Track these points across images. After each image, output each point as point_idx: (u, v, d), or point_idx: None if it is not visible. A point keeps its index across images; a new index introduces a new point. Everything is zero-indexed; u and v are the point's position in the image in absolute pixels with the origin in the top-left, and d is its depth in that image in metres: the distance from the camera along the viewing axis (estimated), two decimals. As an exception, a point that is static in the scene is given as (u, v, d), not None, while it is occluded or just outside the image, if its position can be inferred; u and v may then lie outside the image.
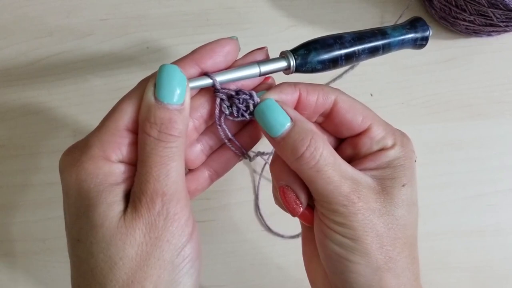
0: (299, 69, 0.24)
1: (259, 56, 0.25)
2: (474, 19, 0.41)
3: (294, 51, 0.24)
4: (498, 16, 0.40)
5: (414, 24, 0.28)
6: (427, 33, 0.28)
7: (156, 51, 0.43)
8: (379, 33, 0.26)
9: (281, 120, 0.22)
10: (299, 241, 0.38)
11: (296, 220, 0.39)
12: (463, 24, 0.43)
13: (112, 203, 0.20)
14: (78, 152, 0.21)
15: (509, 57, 0.45)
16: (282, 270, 0.36)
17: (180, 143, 0.21)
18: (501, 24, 0.41)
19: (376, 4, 0.47)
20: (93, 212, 0.20)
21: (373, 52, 0.26)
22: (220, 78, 0.22)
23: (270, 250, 0.37)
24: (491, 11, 0.40)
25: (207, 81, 0.22)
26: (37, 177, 0.38)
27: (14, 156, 0.38)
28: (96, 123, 0.42)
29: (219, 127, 0.24)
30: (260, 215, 0.37)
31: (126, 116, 0.21)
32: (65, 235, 0.35)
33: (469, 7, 0.40)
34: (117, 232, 0.19)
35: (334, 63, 0.25)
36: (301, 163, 0.22)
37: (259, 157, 0.39)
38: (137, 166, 0.21)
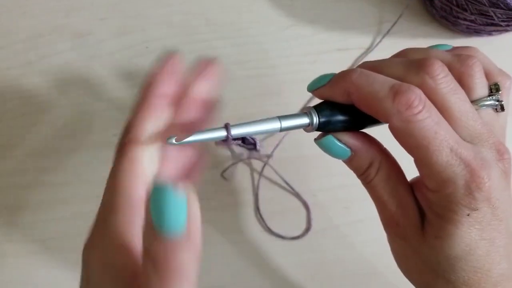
0: (321, 128, 0.23)
1: (210, 73, 0.24)
2: (475, 18, 0.41)
3: (318, 109, 0.23)
4: (499, 15, 0.40)
5: None
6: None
7: (155, 51, 0.43)
8: None
9: (341, 153, 0.23)
10: (300, 242, 0.38)
11: (296, 222, 0.39)
12: (464, 24, 0.43)
13: None
14: (101, 243, 0.20)
15: (510, 56, 0.45)
16: (283, 271, 0.36)
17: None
18: (502, 23, 0.41)
19: (375, 4, 0.47)
20: None
21: None
22: (238, 131, 0.21)
23: (271, 251, 0.37)
24: (492, 11, 0.39)
25: (222, 134, 0.21)
26: (37, 177, 0.38)
27: (14, 156, 0.38)
28: (96, 122, 0.42)
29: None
30: (260, 215, 0.37)
31: (137, 190, 0.20)
32: (65, 236, 0.35)
33: (470, 6, 0.40)
34: None
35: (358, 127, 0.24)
36: (360, 180, 0.24)
37: (259, 156, 0.39)
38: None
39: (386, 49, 0.44)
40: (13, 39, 0.42)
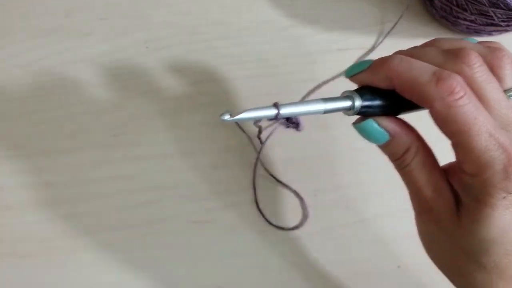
0: (360, 112, 0.24)
1: None
2: (475, 18, 0.41)
3: (360, 93, 0.23)
4: (499, 15, 0.40)
5: None
6: None
7: (156, 51, 0.43)
8: None
9: (380, 137, 0.23)
10: (300, 242, 0.38)
11: (297, 218, 0.39)
12: (464, 24, 0.43)
13: None
14: None
15: (510, 56, 0.45)
16: (284, 271, 0.36)
17: None
18: (502, 23, 0.41)
19: (376, 4, 0.47)
20: None
21: None
22: (287, 110, 0.22)
23: (272, 251, 0.37)
24: (492, 11, 0.39)
25: (273, 112, 0.22)
26: (37, 177, 0.37)
27: (13, 156, 0.38)
28: (95, 122, 0.42)
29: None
30: (259, 208, 0.37)
31: None
32: (64, 236, 0.35)
33: (470, 6, 0.40)
34: None
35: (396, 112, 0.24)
36: (395, 165, 0.24)
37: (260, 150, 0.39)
38: None
39: (387, 49, 0.44)
40: (13, 39, 0.42)
